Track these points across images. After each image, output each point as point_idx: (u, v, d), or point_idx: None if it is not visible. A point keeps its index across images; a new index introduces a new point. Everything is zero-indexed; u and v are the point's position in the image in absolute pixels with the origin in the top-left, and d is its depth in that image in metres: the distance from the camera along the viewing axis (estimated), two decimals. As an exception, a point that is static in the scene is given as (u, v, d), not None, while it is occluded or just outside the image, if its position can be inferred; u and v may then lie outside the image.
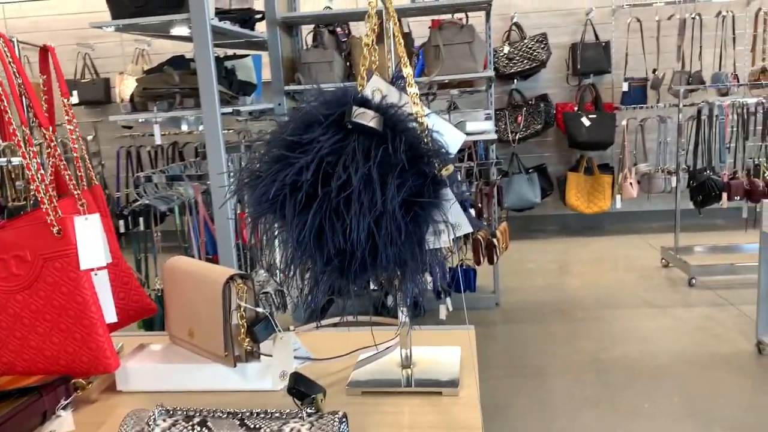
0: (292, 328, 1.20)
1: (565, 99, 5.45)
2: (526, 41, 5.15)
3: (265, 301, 2.37)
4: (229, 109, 2.77)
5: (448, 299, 3.35)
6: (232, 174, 2.56)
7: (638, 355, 3.00)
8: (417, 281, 0.87)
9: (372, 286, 0.91)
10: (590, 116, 5.07)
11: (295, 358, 1.06)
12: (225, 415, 0.76)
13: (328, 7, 4.39)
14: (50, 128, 1.03)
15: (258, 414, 0.76)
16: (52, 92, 1.10)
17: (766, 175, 4.53)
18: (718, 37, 5.32)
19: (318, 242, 0.84)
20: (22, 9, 5.74)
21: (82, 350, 0.96)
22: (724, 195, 4.41)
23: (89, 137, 5.83)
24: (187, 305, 1.05)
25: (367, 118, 0.82)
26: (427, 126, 0.86)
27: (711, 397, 2.57)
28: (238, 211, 2.76)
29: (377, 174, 0.80)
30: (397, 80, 0.90)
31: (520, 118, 5.20)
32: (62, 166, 1.05)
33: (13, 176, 3.90)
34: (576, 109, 5.22)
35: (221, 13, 2.85)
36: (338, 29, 3.95)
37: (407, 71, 0.89)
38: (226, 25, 2.71)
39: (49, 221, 0.96)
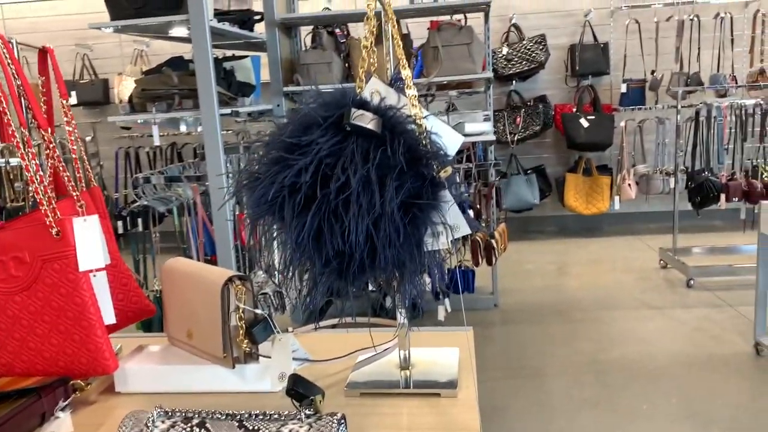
0: (290, 329, 1.20)
1: (563, 100, 5.46)
2: (524, 42, 5.16)
3: (263, 302, 2.37)
4: (228, 110, 2.77)
5: (446, 300, 3.36)
6: (230, 175, 2.56)
7: (636, 356, 3.01)
8: (415, 283, 0.87)
9: (370, 288, 0.91)
10: (589, 117, 5.08)
11: (294, 359, 1.06)
12: (224, 417, 0.76)
13: (327, 9, 4.40)
14: (49, 130, 1.03)
15: (257, 415, 0.76)
16: (51, 94, 1.10)
17: (764, 176, 4.54)
18: (716, 38, 5.33)
19: (317, 244, 0.84)
20: (21, 10, 5.74)
21: (81, 351, 0.96)
22: (723, 196, 4.42)
23: (87, 138, 5.83)
24: (185, 306, 1.05)
25: (366, 120, 0.82)
26: (425, 128, 0.87)
27: (709, 398, 2.58)
28: (237, 212, 2.76)
29: (376, 176, 0.80)
30: (395, 82, 0.91)
31: (518, 119, 5.21)
32: (61, 168, 1.05)
33: (11, 177, 3.90)
34: (574, 110, 5.23)
35: (220, 14, 2.85)
36: (337, 30, 3.95)
37: (406, 73, 0.89)
38: (225, 26, 2.71)
39: (48, 223, 0.96)
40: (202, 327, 1.01)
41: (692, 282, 3.97)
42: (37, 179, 0.96)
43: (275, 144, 0.86)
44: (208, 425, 0.75)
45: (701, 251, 4.48)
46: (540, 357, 3.06)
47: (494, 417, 2.53)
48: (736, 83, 5.14)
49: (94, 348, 0.96)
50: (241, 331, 0.96)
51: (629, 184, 5.08)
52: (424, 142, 0.85)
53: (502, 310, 3.75)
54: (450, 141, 0.88)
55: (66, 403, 0.93)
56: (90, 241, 0.97)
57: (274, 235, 0.89)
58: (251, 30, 3.11)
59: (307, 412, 0.76)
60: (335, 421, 0.75)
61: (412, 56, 3.91)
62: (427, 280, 0.89)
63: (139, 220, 2.97)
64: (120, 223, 2.95)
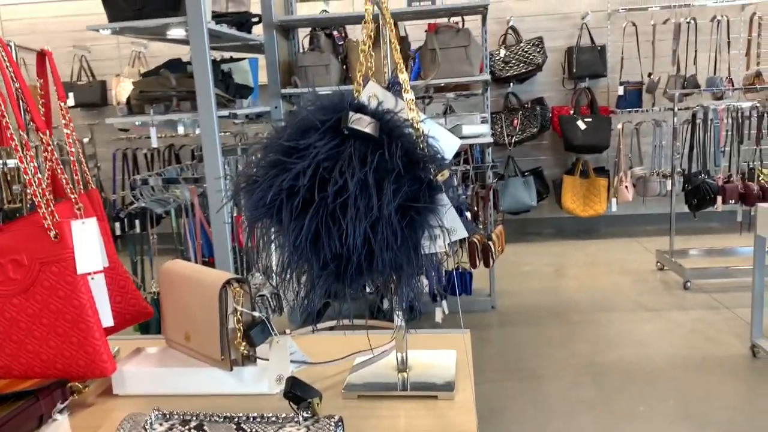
0: (288, 331, 1.21)
1: (560, 102, 5.47)
2: (522, 45, 5.17)
3: (261, 304, 2.37)
4: (226, 112, 2.77)
5: (444, 302, 3.36)
6: (228, 177, 2.56)
7: (633, 358, 3.01)
8: (413, 285, 0.87)
9: (368, 290, 0.92)
10: (586, 120, 5.09)
11: (291, 361, 1.06)
12: (221, 419, 0.77)
13: (325, 11, 4.40)
14: (47, 132, 1.03)
15: (254, 418, 0.77)
16: (49, 96, 1.11)
17: (760, 178, 4.56)
18: (713, 41, 5.34)
19: (314, 247, 0.84)
20: (19, 11, 5.73)
21: (79, 354, 0.96)
22: (719, 198, 4.43)
23: (85, 139, 5.82)
24: (183, 309, 1.05)
25: (364, 124, 0.83)
26: (422, 132, 0.87)
27: (706, 400, 2.58)
28: (235, 215, 2.76)
29: (373, 179, 0.80)
30: (393, 86, 0.91)
31: (516, 121, 5.22)
32: (59, 170, 1.05)
33: (9, 179, 3.89)
34: (572, 112, 5.24)
35: (218, 17, 2.86)
36: (335, 33, 3.96)
37: (403, 77, 0.89)
38: (223, 28, 2.71)
39: (46, 225, 0.96)
40: (200, 329, 1.01)
41: (689, 284, 3.98)
42: (35, 182, 0.96)
43: (273, 147, 0.87)
44: (206, 428, 0.75)
45: (698, 253, 4.49)
46: (537, 359, 3.06)
47: (491, 419, 2.53)
48: (733, 86, 5.16)
49: (91, 350, 0.96)
50: (238, 334, 0.97)
51: (626, 187, 5.09)
52: (421, 145, 0.86)
53: (499, 312, 3.76)
54: (447, 144, 0.88)
55: (64, 405, 0.93)
56: (88, 244, 0.97)
57: (272, 237, 0.89)
58: (249, 32, 3.12)
59: (305, 414, 0.77)
60: (333, 423, 0.75)
61: (410, 58, 3.92)
62: (425, 281, 0.90)
63: (137, 222, 2.97)
64: (117, 225, 2.95)
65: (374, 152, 0.82)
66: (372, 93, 0.89)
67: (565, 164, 5.60)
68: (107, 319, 1.00)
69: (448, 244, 0.86)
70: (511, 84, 5.40)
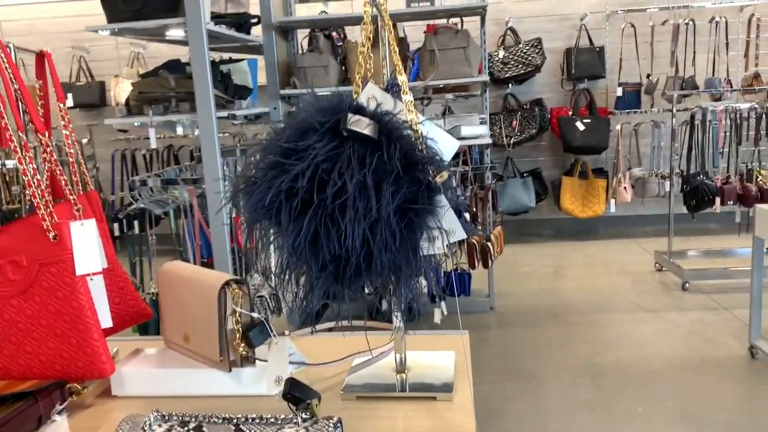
0: (287, 332, 1.21)
1: (559, 103, 5.47)
2: (520, 46, 5.17)
3: (260, 305, 2.37)
4: (225, 113, 2.77)
5: (443, 303, 3.36)
6: (227, 178, 2.56)
7: (632, 359, 3.02)
8: (411, 286, 0.87)
9: (366, 291, 0.92)
10: (585, 121, 5.09)
11: (290, 363, 1.07)
12: (220, 421, 0.77)
13: (324, 12, 4.40)
14: (46, 133, 1.03)
15: (253, 419, 0.77)
16: (48, 97, 1.11)
17: (758, 179, 4.56)
18: (711, 42, 5.35)
19: (313, 248, 0.84)
20: (17, 12, 5.73)
21: (78, 355, 0.97)
22: (718, 199, 4.44)
23: (84, 140, 5.82)
24: (182, 310, 1.05)
25: (363, 126, 0.83)
26: (421, 133, 0.87)
27: (704, 401, 2.59)
28: (234, 216, 2.77)
29: (372, 181, 0.81)
30: (392, 87, 0.91)
31: (514, 122, 5.22)
32: (58, 171, 1.06)
33: (7, 180, 3.89)
34: (570, 113, 5.25)
35: (217, 17, 2.86)
36: (334, 34, 3.96)
37: (402, 79, 0.89)
38: (222, 29, 2.71)
39: (45, 227, 0.96)
40: (199, 330, 1.01)
41: (687, 285, 3.98)
42: (34, 183, 0.96)
43: (272, 149, 0.87)
44: (204, 429, 0.75)
45: (696, 254, 4.50)
46: (536, 360, 3.06)
47: (490, 420, 2.53)
48: (731, 87, 5.17)
49: (90, 351, 0.96)
50: (237, 335, 0.97)
51: (625, 188, 5.10)
52: (420, 147, 0.86)
53: (498, 313, 3.76)
54: (446, 146, 0.89)
55: (63, 406, 0.93)
56: (87, 245, 0.97)
57: (271, 239, 0.89)
58: (248, 33, 3.12)
59: (304, 415, 0.77)
60: (331, 424, 0.75)
61: (409, 59, 3.92)
62: (423, 282, 0.90)
63: (136, 223, 2.96)
64: (116, 226, 2.95)
65: (373, 154, 0.82)
66: (371, 95, 0.89)
67: (563, 165, 5.61)
68: (106, 320, 1.00)
69: (447, 245, 0.86)
70: (510, 85, 5.40)
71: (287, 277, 0.89)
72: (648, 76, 5.37)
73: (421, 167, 0.84)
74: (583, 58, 5.23)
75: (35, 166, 0.98)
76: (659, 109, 5.34)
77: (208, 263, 2.80)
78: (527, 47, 5.14)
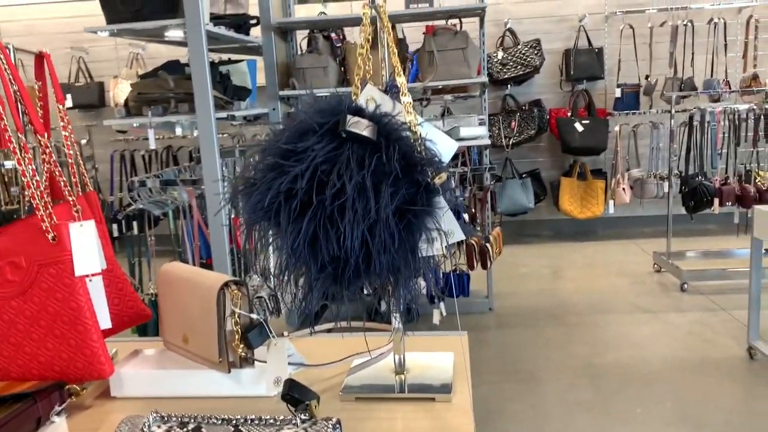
0: (286, 333, 1.21)
1: (558, 104, 5.48)
2: (519, 47, 5.18)
3: (258, 306, 2.37)
4: (224, 114, 2.78)
5: (441, 304, 3.36)
6: (226, 179, 2.56)
7: (631, 360, 3.02)
8: (410, 287, 0.88)
9: (365, 292, 0.92)
10: (583, 122, 5.10)
11: (289, 364, 1.07)
12: (219, 422, 0.77)
13: (323, 13, 4.40)
14: (46, 135, 1.03)
15: (252, 420, 0.77)
16: (48, 98, 1.11)
17: (757, 180, 4.57)
18: (710, 43, 5.36)
19: (312, 249, 0.84)
20: (16, 13, 5.73)
21: (77, 356, 0.97)
22: (716, 200, 4.45)
23: (83, 141, 5.82)
24: (181, 311, 1.05)
25: (362, 127, 0.83)
26: (420, 135, 0.87)
27: (703, 402, 2.59)
28: (233, 217, 2.77)
29: (371, 182, 0.81)
30: (391, 89, 0.91)
31: (513, 123, 5.23)
32: (57, 172, 1.06)
33: (6, 180, 3.89)
34: (569, 114, 5.25)
35: (216, 18, 2.86)
36: (333, 35, 3.96)
37: (401, 80, 0.90)
38: (221, 30, 2.71)
39: (44, 228, 0.96)
40: (198, 331, 1.01)
41: (686, 286, 3.99)
42: (33, 184, 0.96)
43: (271, 150, 0.87)
44: (203, 430, 0.75)
45: (695, 255, 4.50)
46: (534, 361, 3.06)
47: (489, 421, 2.53)
48: (730, 88, 5.17)
49: (89, 352, 0.96)
50: (236, 336, 0.97)
51: (623, 189, 5.11)
52: (419, 149, 0.86)
53: (497, 313, 3.76)
54: (445, 147, 0.89)
55: (62, 407, 0.93)
56: (86, 246, 0.97)
57: (270, 240, 0.90)
58: (247, 34, 3.12)
59: (303, 416, 0.77)
60: (330, 425, 0.75)
61: (408, 61, 3.93)
62: (422, 283, 0.90)
63: (135, 224, 2.96)
64: (115, 227, 2.95)
65: (372, 155, 0.82)
66: (370, 96, 0.89)
67: (562, 166, 5.61)
68: (105, 321, 1.00)
69: (446, 246, 0.86)
70: (509, 86, 5.41)
71: (286, 278, 0.89)
72: (647, 77, 5.38)
73: (420, 168, 0.84)
74: (582, 59, 5.24)
75: (34, 167, 0.98)
76: (658, 110, 5.35)
77: (207, 264, 2.80)
78: (526, 48, 5.15)
